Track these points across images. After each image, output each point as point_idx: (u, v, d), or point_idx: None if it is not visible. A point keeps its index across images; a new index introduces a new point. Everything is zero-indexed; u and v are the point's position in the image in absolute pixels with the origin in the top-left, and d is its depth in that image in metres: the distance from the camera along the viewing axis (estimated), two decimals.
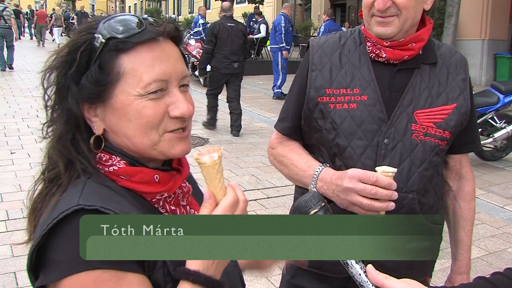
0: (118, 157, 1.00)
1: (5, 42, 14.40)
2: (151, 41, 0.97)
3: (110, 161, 0.99)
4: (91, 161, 0.97)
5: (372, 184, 1.33)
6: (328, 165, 1.57)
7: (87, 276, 0.84)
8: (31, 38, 29.69)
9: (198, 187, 1.22)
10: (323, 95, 1.57)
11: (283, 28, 11.68)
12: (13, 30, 14.65)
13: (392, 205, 1.35)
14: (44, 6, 39.63)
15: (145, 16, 1.03)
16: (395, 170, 1.35)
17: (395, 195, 1.35)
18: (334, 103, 1.55)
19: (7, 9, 14.50)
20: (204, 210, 0.95)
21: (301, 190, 1.68)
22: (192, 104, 1.02)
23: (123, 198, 0.95)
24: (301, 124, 1.65)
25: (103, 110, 0.98)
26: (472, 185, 1.75)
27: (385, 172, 1.33)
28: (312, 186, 1.54)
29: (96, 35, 0.96)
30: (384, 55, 1.54)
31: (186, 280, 0.91)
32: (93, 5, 37.88)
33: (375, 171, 1.35)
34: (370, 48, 1.56)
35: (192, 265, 0.92)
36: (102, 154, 0.99)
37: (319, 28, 12.52)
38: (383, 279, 0.94)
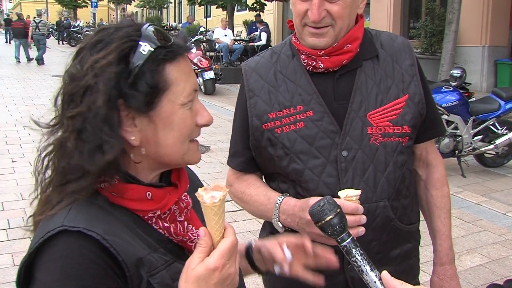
0: None
1: (39, 45, 19.90)
2: (184, 53, 1.00)
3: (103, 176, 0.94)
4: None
5: None
6: (288, 194, 1.47)
7: None
8: None
9: None
10: (266, 121, 1.47)
11: None
12: (44, 36, 20.55)
13: (362, 230, 1.28)
14: (46, 15, 39.94)
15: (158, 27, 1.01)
16: (358, 192, 1.28)
17: (363, 219, 1.27)
18: (280, 126, 1.46)
19: (42, 21, 20.75)
20: (199, 249, 0.91)
21: (268, 223, 1.58)
22: None
23: (112, 217, 0.92)
24: (253, 155, 1.55)
25: (145, 120, 0.95)
26: (441, 171, 1.63)
27: (348, 197, 1.26)
28: (275, 220, 1.45)
29: (141, 42, 0.93)
30: (322, 65, 1.44)
31: None
32: (94, 14, 38.07)
33: (338, 196, 1.27)
34: (305, 60, 1.47)
35: None
36: None
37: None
38: (399, 285, 0.92)
